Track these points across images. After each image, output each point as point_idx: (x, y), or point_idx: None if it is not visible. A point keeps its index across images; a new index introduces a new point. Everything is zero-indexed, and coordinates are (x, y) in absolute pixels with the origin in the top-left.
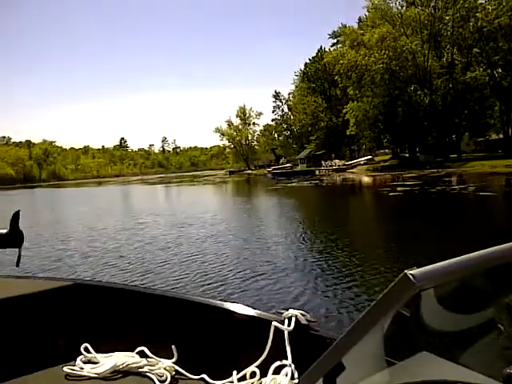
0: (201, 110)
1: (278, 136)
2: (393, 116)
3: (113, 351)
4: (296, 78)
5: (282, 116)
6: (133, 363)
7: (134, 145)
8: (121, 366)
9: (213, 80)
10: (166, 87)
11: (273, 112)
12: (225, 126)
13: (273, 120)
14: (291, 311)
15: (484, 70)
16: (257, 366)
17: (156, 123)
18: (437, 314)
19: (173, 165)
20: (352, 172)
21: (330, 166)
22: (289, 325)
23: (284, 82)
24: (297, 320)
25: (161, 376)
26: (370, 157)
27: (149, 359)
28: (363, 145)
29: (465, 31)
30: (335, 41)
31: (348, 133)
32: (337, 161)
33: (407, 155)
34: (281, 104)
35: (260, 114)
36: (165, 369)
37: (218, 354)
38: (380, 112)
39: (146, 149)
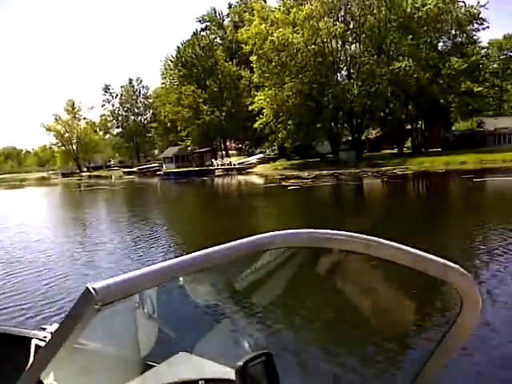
0: None
1: (104, 134)
2: (318, 107)
3: None
4: (162, 65)
5: (113, 112)
6: None
7: None
8: None
9: None
10: None
11: (102, 106)
12: (52, 121)
13: (101, 116)
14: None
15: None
16: None
17: None
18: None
19: None
20: (255, 172)
21: (222, 164)
22: None
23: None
24: None
25: None
26: (261, 155)
27: None
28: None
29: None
30: (204, 26)
31: (256, 125)
32: (233, 159)
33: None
34: (111, 98)
35: (92, 107)
36: None
37: None
38: (301, 103)
39: None
